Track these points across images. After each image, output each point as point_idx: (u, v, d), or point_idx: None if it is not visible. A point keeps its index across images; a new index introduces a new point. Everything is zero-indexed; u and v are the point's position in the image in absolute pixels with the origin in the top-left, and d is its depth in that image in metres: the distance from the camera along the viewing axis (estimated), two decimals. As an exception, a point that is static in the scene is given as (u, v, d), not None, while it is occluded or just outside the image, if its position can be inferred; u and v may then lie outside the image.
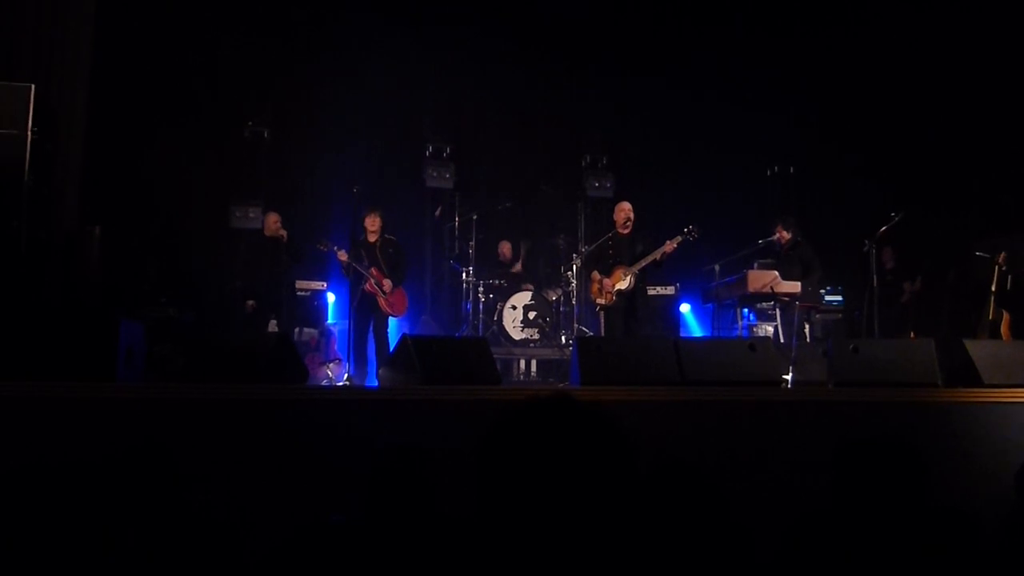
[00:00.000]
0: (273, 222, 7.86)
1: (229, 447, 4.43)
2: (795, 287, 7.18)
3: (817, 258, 7.67)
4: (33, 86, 5.59)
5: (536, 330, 8.99)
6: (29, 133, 5.46)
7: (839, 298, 9.52)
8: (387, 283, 7.43)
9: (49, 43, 6.78)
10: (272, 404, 4.70)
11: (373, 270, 7.42)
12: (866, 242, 7.32)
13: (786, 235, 7.75)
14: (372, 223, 7.58)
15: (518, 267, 9.60)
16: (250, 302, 7.60)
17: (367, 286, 7.39)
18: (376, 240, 7.60)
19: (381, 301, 7.43)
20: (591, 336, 7.85)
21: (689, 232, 7.32)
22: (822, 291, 8.86)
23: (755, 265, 8.16)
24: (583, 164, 10.47)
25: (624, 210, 7.67)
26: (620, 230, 7.61)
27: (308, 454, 4.45)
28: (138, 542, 1.06)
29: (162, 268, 7.91)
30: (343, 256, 7.30)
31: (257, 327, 7.43)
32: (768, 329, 8.23)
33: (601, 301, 7.40)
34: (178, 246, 8.44)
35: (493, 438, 1.05)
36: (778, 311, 7.52)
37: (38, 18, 6.72)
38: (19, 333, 4.91)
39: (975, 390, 4.91)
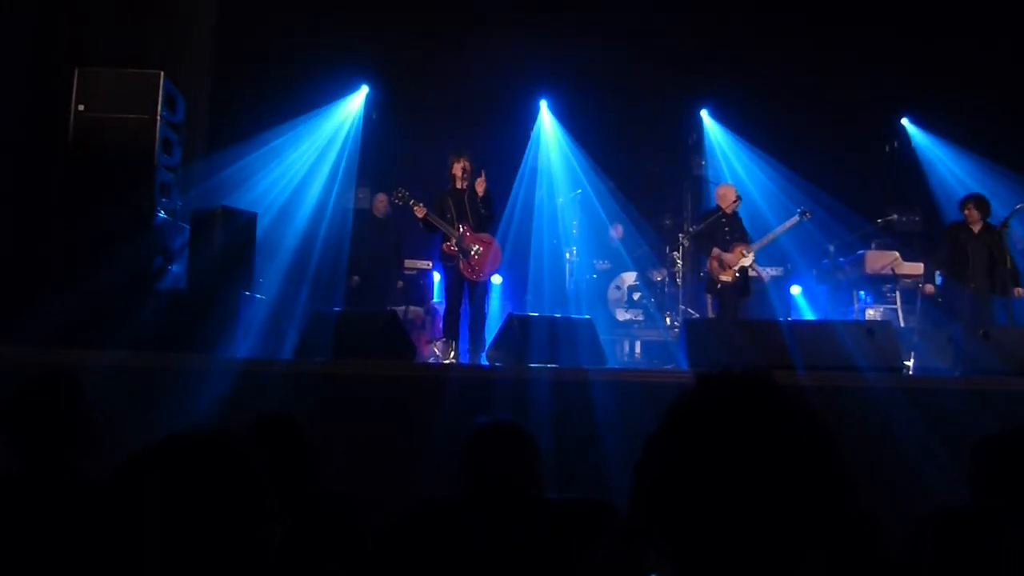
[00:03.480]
0: (382, 203, 8.07)
1: (341, 421, 4.58)
2: (917, 268, 6.85)
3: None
4: (162, 73, 5.86)
5: (640, 311, 8.89)
6: (159, 117, 5.74)
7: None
8: (471, 240, 6.69)
9: (175, 32, 7.11)
10: (382, 380, 4.83)
11: (461, 227, 6.72)
12: (999, 221, 6.91)
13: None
14: (459, 168, 6.82)
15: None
16: (355, 278, 7.87)
17: (446, 246, 6.76)
18: (465, 188, 6.83)
19: (462, 264, 6.72)
20: (699, 318, 7.72)
21: (802, 214, 7.18)
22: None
23: (873, 245, 7.83)
24: (688, 142, 10.27)
25: (732, 191, 7.57)
26: (728, 209, 7.47)
27: (415, 429, 4.55)
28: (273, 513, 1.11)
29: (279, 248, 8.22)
30: (420, 211, 6.64)
31: (365, 305, 7.66)
32: (887, 312, 7.88)
33: (725, 278, 7.28)
34: (294, 226, 8.72)
35: (682, 413, 1.01)
36: (898, 294, 7.17)
37: (165, 8, 7.05)
38: (148, 308, 5.20)
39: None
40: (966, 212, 6.91)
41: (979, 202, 6.93)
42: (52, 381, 2.26)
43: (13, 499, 2.04)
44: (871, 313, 7.92)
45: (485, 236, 6.86)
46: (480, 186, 6.79)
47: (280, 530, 1.11)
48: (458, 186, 6.86)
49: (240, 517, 1.06)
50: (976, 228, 6.80)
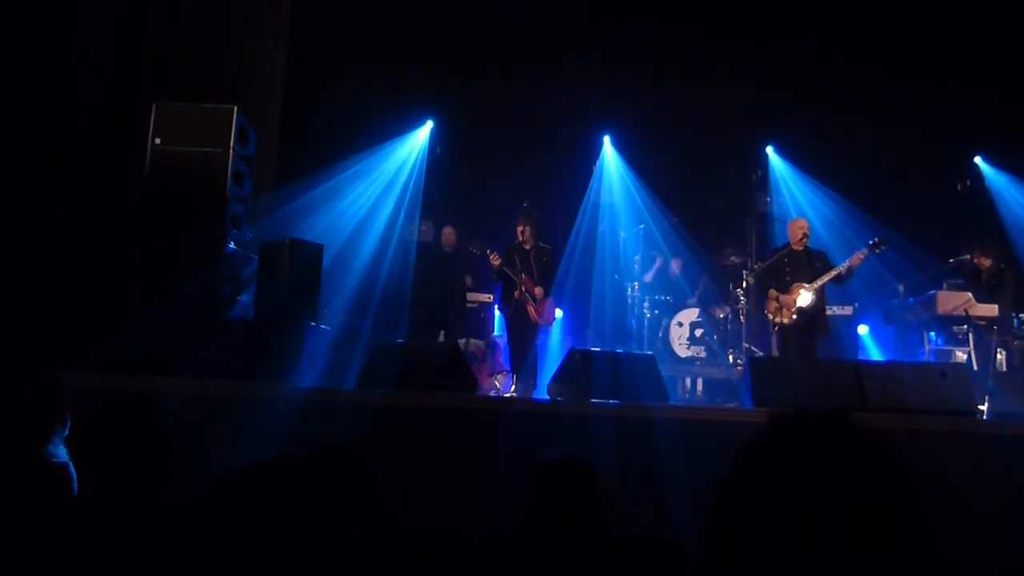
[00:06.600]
0: (449, 235, 8.27)
1: (402, 452, 4.59)
2: (992, 310, 6.61)
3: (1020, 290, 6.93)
4: (235, 107, 6.04)
5: (703, 348, 8.76)
6: (231, 151, 5.91)
7: (1039, 324, 8.66)
8: (538, 290, 7.44)
9: (248, 69, 7.37)
10: (443, 412, 4.84)
11: (524, 276, 7.45)
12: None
13: (986, 262, 7.07)
14: (520, 232, 7.60)
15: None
16: (420, 312, 8.02)
17: (517, 293, 7.45)
18: (531, 247, 7.61)
19: (530, 309, 7.45)
20: (764, 356, 7.56)
21: (875, 245, 6.91)
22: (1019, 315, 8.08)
23: (944, 285, 7.58)
24: (754, 179, 10.14)
25: (801, 226, 7.41)
26: (795, 246, 7.32)
27: (475, 462, 4.54)
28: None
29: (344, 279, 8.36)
30: (496, 261, 7.37)
31: (427, 337, 7.75)
32: (958, 355, 7.59)
33: (781, 320, 7.09)
34: (359, 258, 8.87)
35: (760, 455, 0.99)
36: (971, 336, 6.90)
37: (239, 46, 7.31)
38: (217, 337, 5.32)
39: None
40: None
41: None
42: (131, 407, 2.33)
43: (89, 523, 2.09)
44: (943, 355, 7.64)
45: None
46: (545, 253, 7.67)
47: (357, 563, 1.12)
48: (524, 245, 7.61)
49: (326, 549, 1.07)
50: None
